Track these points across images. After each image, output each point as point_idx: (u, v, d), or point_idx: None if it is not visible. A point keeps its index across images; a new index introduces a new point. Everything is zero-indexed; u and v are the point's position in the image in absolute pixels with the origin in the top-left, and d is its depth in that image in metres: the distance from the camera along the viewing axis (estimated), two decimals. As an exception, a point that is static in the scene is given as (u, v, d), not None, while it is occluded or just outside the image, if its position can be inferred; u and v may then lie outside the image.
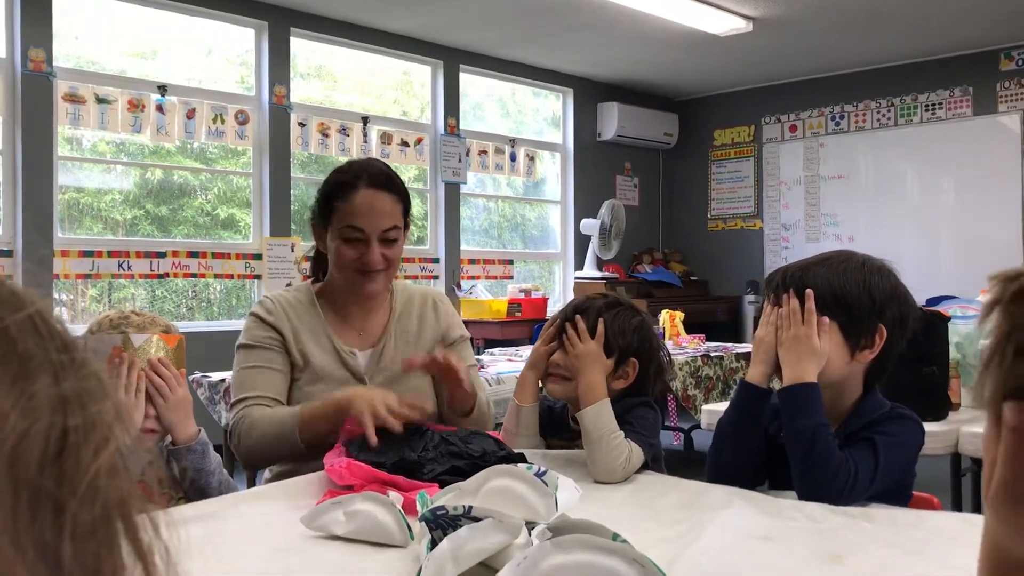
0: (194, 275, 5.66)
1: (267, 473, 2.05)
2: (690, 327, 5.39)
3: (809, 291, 1.60)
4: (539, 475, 1.24)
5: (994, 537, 0.56)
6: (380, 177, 2.01)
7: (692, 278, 8.54)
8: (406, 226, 2.08)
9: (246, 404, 1.94)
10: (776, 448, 1.67)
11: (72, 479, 0.41)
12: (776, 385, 1.64)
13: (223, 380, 3.74)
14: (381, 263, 1.99)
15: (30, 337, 0.43)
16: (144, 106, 5.39)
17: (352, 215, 1.97)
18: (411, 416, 1.69)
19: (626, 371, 1.90)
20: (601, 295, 1.99)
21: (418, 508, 1.29)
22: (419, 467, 1.57)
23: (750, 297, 8.09)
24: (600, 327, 1.86)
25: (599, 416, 1.76)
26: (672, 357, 4.44)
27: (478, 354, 4.49)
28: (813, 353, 1.58)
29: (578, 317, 1.88)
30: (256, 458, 1.93)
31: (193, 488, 1.71)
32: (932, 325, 2.37)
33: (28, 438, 0.40)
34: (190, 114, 5.57)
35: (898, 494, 1.61)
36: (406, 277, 6.47)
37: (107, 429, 0.43)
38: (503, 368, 4.06)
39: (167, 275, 5.52)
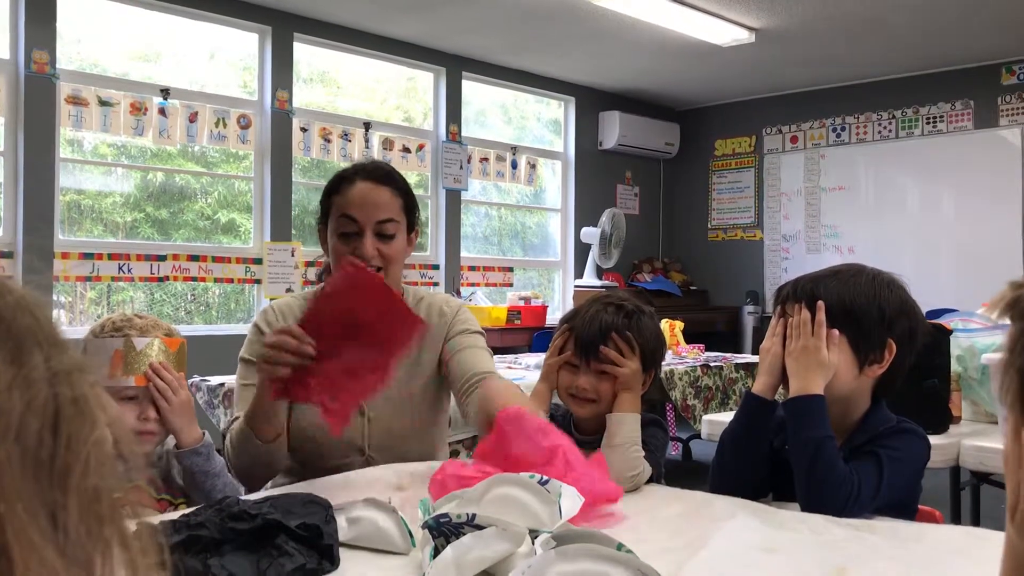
0: (194, 279, 5.65)
1: (268, 483, 2.01)
2: (690, 337, 5.38)
3: (820, 303, 1.60)
4: (542, 483, 1.23)
5: (1022, 558, 0.56)
6: (378, 172, 1.97)
7: (692, 288, 8.55)
8: (411, 228, 2.00)
9: (236, 421, 1.86)
10: (780, 461, 1.66)
11: (73, 448, 0.43)
12: (783, 397, 1.64)
13: (222, 384, 3.74)
14: (375, 257, 1.90)
15: (21, 318, 0.45)
16: (146, 109, 5.39)
17: (346, 205, 1.91)
18: (301, 346, 1.57)
19: (645, 382, 1.89)
20: (612, 305, 1.91)
21: (420, 515, 1.29)
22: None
23: (750, 308, 8.09)
24: (636, 354, 1.84)
25: (626, 423, 1.75)
26: (672, 367, 4.45)
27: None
28: (821, 365, 1.57)
29: (616, 337, 1.83)
30: (243, 474, 1.83)
31: (198, 491, 1.71)
32: (934, 338, 2.36)
33: (30, 411, 0.42)
34: (192, 117, 5.57)
35: (904, 508, 1.61)
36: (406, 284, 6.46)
37: (96, 401, 0.46)
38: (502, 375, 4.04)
39: (167, 278, 5.51)
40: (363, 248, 1.89)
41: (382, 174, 1.96)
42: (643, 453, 1.73)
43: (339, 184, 1.96)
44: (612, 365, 1.82)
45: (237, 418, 1.86)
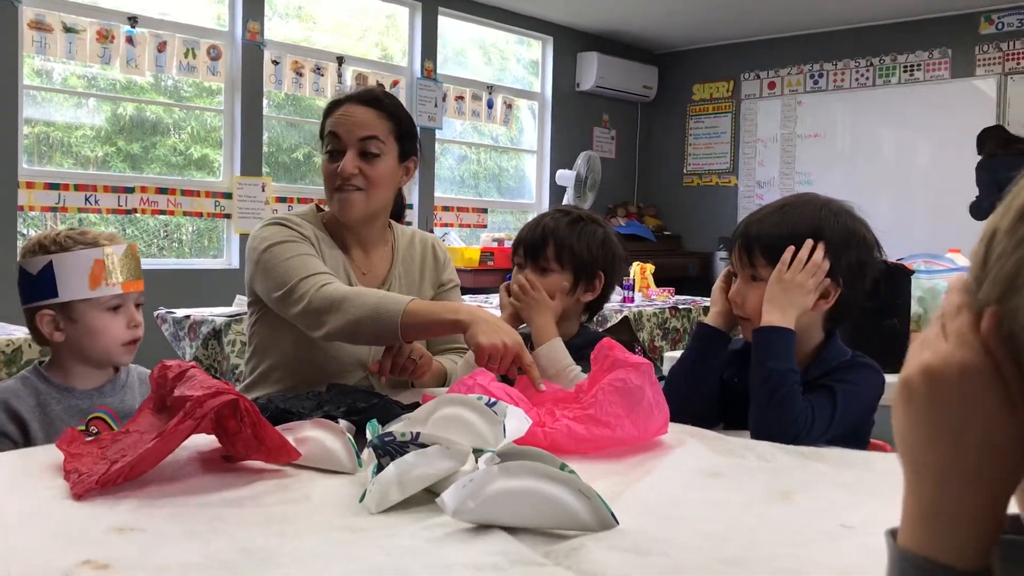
0: (163, 212, 5.57)
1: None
2: (661, 281, 5.39)
3: (809, 241, 1.57)
4: (489, 405, 1.23)
5: None
6: (367, 95, 2.00)
7: (666, 233, 8.55)
8: (407, 155, 2.01)
9: (319, 282, 1.81)
10: (731, 393, 1.66)
11: None
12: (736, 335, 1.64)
13: (188, 316, 3.73)
14: (355, 174, 1.92)
15: None
16: (113, 37, 5.26)
17: (332, 124, 1.97)
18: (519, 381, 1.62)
19: (593, 285, 1.94)
20: (561, 212, 1.99)
21: (368, 435, 1.28)
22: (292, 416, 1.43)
23: (722, 253, 8.11)
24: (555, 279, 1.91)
25: (551, 353, 1.80)
26: (641, 309, 4.46)
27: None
28: (801, 306, 1.56)
29: (529, 276, 1.91)
30: (343, 335, 1.80)
31: None
32: (895, 278, 2.37)
33: None
34: (161, 47, 5.46)
35: (855, 440, 1.61)
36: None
37: None
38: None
39: (135, 211, 5.43)
40: (344, 164, 1.92)
41: (371, 97, 2.00)
42: (578, 371, 1.74)
43: (331, 107, 2.01)
44: (554, 263, 1.90)
45: (321, 278, 1.83)
